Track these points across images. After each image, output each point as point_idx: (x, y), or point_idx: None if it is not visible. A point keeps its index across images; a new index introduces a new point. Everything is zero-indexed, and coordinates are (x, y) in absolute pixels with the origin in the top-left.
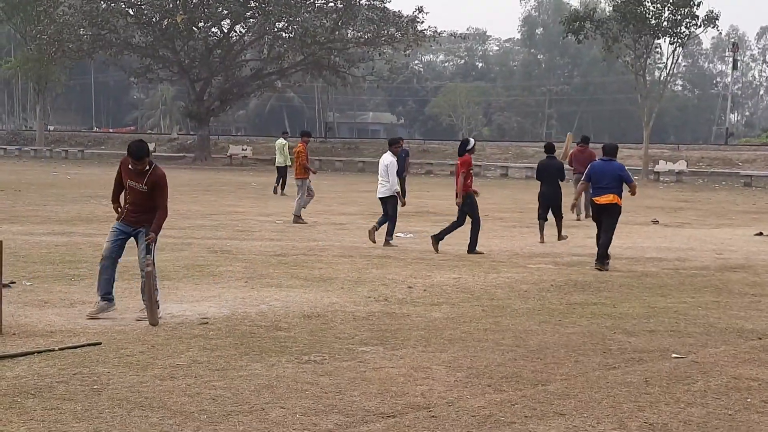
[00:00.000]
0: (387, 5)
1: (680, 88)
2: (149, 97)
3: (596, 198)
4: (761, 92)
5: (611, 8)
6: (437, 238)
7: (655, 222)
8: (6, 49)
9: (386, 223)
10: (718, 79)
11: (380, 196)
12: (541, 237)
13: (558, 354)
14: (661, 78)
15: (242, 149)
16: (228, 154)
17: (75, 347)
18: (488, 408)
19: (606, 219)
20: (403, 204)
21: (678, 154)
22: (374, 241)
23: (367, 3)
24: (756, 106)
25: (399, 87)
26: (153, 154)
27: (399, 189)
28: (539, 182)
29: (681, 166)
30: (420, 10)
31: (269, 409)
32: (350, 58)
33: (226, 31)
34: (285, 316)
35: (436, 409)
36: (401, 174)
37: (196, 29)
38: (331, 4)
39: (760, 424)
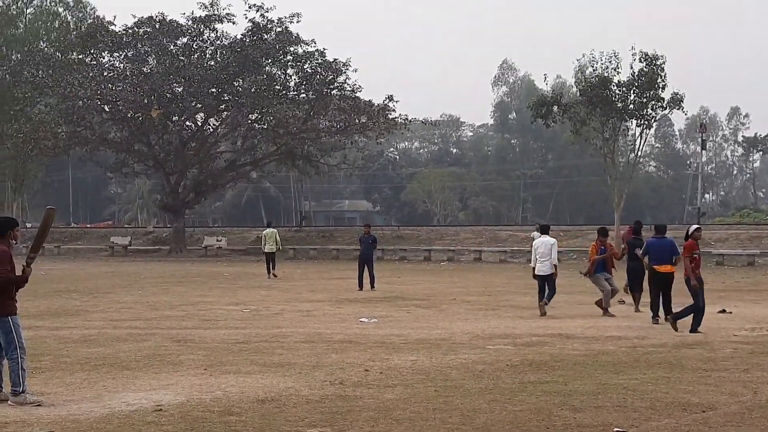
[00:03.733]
0: (358, 95)
1: (654, 169)
2: (126, 191)
3: (657, 267)
4: (735, 172)
5: (578, 92)
6: (675, 318)
7: (621, 302)
8: None
9: (552, 296)
10: (691, 160)
11: (542, 273)
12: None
13: (503, 431)
14: (631, 160)
15: (217, 240)
16: (203, 246)
17: None
18: None
19: (667, 285)
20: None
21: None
22: (545, 314)
23: (339, 93)
24: (730, 186)
25: (374, 174)
26: (129, 247)
27: (557, 263)
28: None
29: None
30: (390, 98)
31: None
32: (323, 147)
33: (200, 124)
34: (239, 401)
35: None
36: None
37: (170, 123)
38: (303, 95)
39: None
